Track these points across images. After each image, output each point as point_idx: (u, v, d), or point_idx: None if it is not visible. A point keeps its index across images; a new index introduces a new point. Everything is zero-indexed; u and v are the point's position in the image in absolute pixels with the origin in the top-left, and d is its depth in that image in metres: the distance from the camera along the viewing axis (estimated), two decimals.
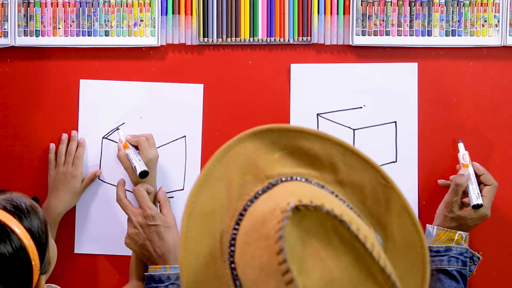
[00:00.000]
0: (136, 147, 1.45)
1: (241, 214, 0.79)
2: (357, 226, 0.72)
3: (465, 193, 1.41)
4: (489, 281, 1.48)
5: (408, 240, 0.82)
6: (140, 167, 1.39)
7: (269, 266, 0.70)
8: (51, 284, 1.30)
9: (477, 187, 1.41)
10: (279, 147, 0.82)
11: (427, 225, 1.43)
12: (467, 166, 1.43)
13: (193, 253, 0.78)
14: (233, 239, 0.78)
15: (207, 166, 0.82)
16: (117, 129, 1.50)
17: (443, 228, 1.40)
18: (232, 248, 0.78)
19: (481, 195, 1.40)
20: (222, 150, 0.83)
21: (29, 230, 1.09)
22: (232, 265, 0.77)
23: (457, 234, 1.38)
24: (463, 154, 1.44)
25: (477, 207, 1.38)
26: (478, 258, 1.43)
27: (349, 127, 1.50)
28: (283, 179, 0.81)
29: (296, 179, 0.81)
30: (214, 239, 0.79)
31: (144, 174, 1.39)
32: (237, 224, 0.79)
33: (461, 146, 1.46)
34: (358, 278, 0.70)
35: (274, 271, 0.69)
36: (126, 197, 1.42)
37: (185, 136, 1.51)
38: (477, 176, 1.43)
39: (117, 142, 1.49)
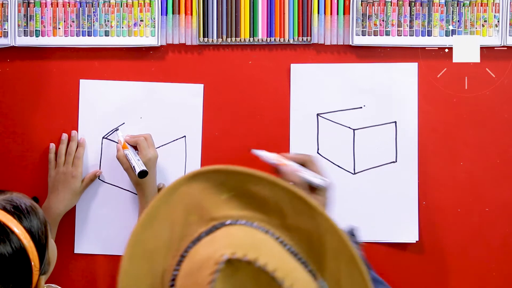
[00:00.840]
0: (135, 148, 1.45)
1: (182, 256, 0.79)
2: (291, 282, 0.70)
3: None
4: (489, 281, 1.48)
5: None
6: (139, 167, 1.39)
7: None
8: (51, 284, 1.30)
9: (306, 171, 1.24)
10: (227, 189, 0.81)
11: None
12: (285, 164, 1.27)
13: None
14: (174, 279, 0.78)
15: (152, 205, 0.81)
16: (117, 129, 1.50)
17: None
18: None
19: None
20: (169, 188, 0.82)
21: (29, 231, 1.09)
22: None
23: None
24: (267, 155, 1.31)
25: (140, 175, 1.35)
26: (352, 227, 1.27)
27: (349, 127, 1.50)
28: (228, 222, 0.79)
29: (241, 223, 0.80)
30: (156, 278, 0.79)
31: (143, 174, 1.39)
32: (178, 265, 0.78)
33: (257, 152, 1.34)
34: None
35: None
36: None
37: (185, 136, 1.51)
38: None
39: (117, 142, 1.49)
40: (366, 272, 0.80)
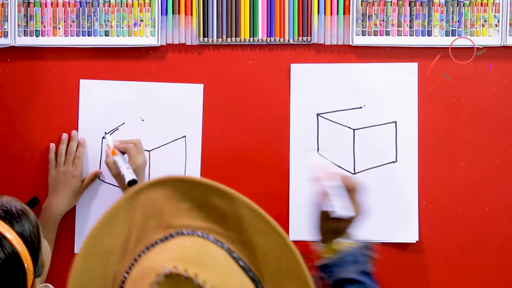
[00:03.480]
0: (124, 153, 1.44)
1: (135, 260, 0.78)
2: None
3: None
4: (489, 281, 1.48)
5: None
6: (128, 176, 1.37)
7: None
8: (47, 284, 1.29)
9: (341, 198, 1.25)
10: (189, 198, 0.81)
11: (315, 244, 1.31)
12: (326, 179, 1.27)
13: None
14: (123, 282, 0.78)
15: (114, 205, 0.82)
16: (117, 129, 1.50)
17: (322, 244, 1.26)
18: None
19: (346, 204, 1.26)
20: (131, 192, 0.82)
21: (21, 235, 1.07)
22: None
23: (335, 243, 1.25)
24: (318, 165, 1.31)
25: (130, 183, 1.35)
26: (369, 243, 1.27)
27: (349, 127, 1.50)
28: (184, 231, 0.79)
29: (197, 235, 0.79)
30: (107, 279, 0.79)
31: (132, 183, 1.38)
32: (130, 268, 0.78)
33: (312, 157, 1.37)
34: None
35: None
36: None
37: (185, 136, 1.51)
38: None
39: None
40: None
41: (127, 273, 0.78)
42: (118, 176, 1.41)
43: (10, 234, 1.06)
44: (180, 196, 0.81)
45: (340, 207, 1.23)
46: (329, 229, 1.27)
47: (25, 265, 1.06)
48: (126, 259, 0.79)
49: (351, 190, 1.26)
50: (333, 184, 1.25)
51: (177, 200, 0.81)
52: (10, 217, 1.08)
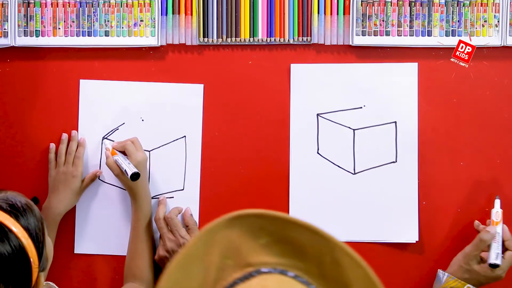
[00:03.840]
0: (124, 153, 1.45)
1: None
2: None
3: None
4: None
5: None
6: (130, 170, 1.39)
7: None
8: (49, 282, 1.30)
9: (500, 247, 1.39)
10: (266, 234, 0.79)
11: (438, 270, 1.43)
12: (497, 223, 1.41)
13: None
14: None
15: (189, 244, 0.79)
16: (117, 129, 1.50)
17: (454, 277, 1.40)
18: None
19: (502, 257, 1.39)
20: (207, 230, 0.79)
21: (26, 229, 1.09)
22: None
23: (465, 287, 1.39)
24: (497, 211, 1.42)
25: (493, 266, 1.37)
26: None
27: (349, 127, 1.50)
28: (264, 270, 0.78)
29: (277, 272, 0.78)
30: None
31: (135, 176, 1.39)
32: None
33: (497, 203, 1.44)
34: None
35: None
36: (164, 218, 1.46)
37: (185, 136, 1.51)
38: (502, 240, 1.41)
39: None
40: None
41: None
42: (120, 174, 1.41)
43: (16, 228, 1.07)
44: (257, 232, 0.79)
45: (498, 256, 1.38)
46: (473, 271, 1.40)
47: (31, 259, 1.07)
48: None
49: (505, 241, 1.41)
50: (496, 231, 1.40)
51: (253, 237, 0.79)
52: (16, 211, 1.09)
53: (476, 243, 1.40)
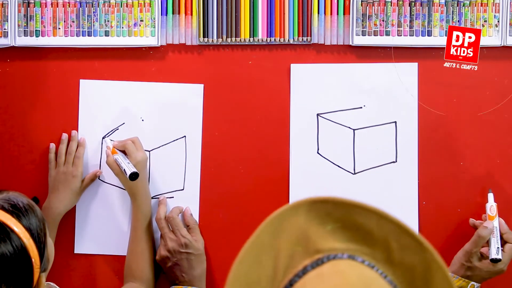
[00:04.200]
0: (125, 152, 1.45)
1: None
2: None
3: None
4: (488, 281, 1.48)
5: None
6: (129, 169, 1.39)
7: None
8: (49, 282, 1.30)
9: (499, 241, 1.40)
10: (333, 220, 0.79)
11: None
12: (493, 218, 1.42)
13: None
14: None
15: (256, 233, 0.78)
16: (117, 129, 1.50)
17: (457, 276, 1.41)
18: None
19: (502, 250, 1.40)
20: (274, 217, 0.79)
21: (28, 229, 1.09)
22: None
23: (469, 285, 1.39)
24: (491, 205, 1.43)
25: (495, 261, 1.38)
26: None
27: (349, 127, 1.50)
28: (333, 255, 0.77)
29: (346, 257, 0.78)
30: None
31: (134, 176, 1.39)
32: None
33: (490, 197, 1.44)
34: None
35: None
36: (165, 218, 1.46)
37: (185, 136, 1.51)
38: (500, 233, 1.42)
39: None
40: None
41: None
42: (120, 174, 1.41)
43: (18, 228, 1.07)
44: (324, 217, 0.79)
45: (498, 250, 1.39)
46: (474, 268, 1.40)
47: (32, 259, 1.07)
48: None
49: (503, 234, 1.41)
50: (494, 226, 1.40)
51: (320, 222, 0.79)
52: (18, 211, 1.09)
53: (475, 240, 1.40)
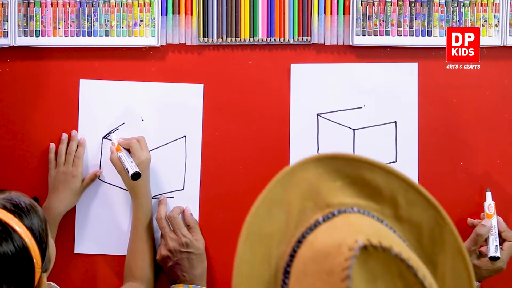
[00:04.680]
0: (129, 150, 1.45)
1: (299, 241, 0.77)
2: (423, 273, 0.70)
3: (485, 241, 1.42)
4: (489, 281, 1.48)
5: (458, 284, 0.80)
6: (132, 169, 1.39)
7: None
8: (50, 282, 1.30)
9: (498, 239, 1.40)
10: (342, 176, 0.80)
11: None
12: (491, 216, 1.42)
13: (247, 278, 0.76)
14: (288, 266, 0.76)
15: (268, 187, 0.79)
16: (117, 129, 1.50)
17: None
18: (287, 276, 0.76)
19: (501, 248, 1.40)
20: (285, 173, 0.80)
21: (30, 229, 1.09)
22: None
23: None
24: (489, 204, 1.44)
25: (493, 259, 1.38)
26: None
27: (349, 127, 1.50)
28: (344, 209, 0.78)
29: (357, 211, 0.79)
30: (269, 264, 0.77)
31: (136, 176, 1.39)
32: (294, 251, 0.76)
33: (488, 195, 1.45)
34: None
35: None
36: (166, 217, 1.46)
37: (185, 136, 1.51)
38: (498, 231, 1.42)
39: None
40: (471, 268, 0.81)
41: (292, 256, 0.76)
42: (123, 171, 1.41)
43: (20, 228, 1.07)
44: (333, 173, 0.80)
45: (497, 248, 1.39)
46: (473, 266, 1.39)
47: (34, 259, 1.07)
48: (286, 243, 0.78)
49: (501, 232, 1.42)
50: (492, 224, 1.40)
51: (330, 178, 0.80)
52: (20, 211, 1.09)
53: (473, 238, 1.40)
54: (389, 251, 0.70)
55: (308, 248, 0.75)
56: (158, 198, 1.49)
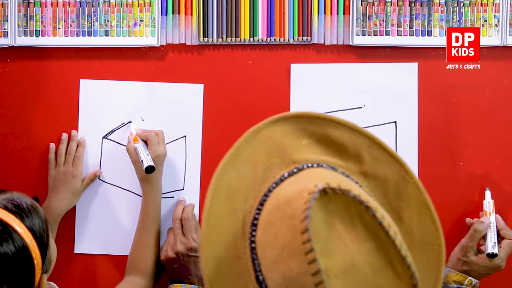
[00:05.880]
0: (146, 142, 1.45)
1: (266, 195, 0.79)
2: (381, 214, 0.72)
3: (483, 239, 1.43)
4: (489, 281, 1.48)
5: (427, 238, 0.82)
6: (147, 162, 1.39)
7: (292, 245, 0.70)
8: (50, 282, 1.30)
9: (496, 237, 1.41)
10: (307, 134, 0.83)
11: None
12: (490, 214, 1.43)
13: (215, 229, 0.78)
14: (256, 219, 0.78)
15: (235, 146, 0.82)
16: (117, 129, 1.50)
17: (455, 270, 1.40)
18: (254, 228, 0.78)
19: (499, 246, 1.40)
20: (251, 131, 0.83)
21: (31, 229, 1.09)
22: (252, 245, 0.77)
23: (467, 280, 1.39)
24: (488, 202, 1.44)
25: (491, 256, 1.38)
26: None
27: None
28: (310, 165, 0.81)
29: (322, 166, 0.81)
30: (237, 218, 0.79)
31: (150, 170, 1.39)
32: (261, 205, 0.79)
33: (487, 194, 1.45)
34: (379, 265, 0.71)
35: (296, 250, 0.69)
36: (181, 218, 1.46)
37: (185, 136, 1.51)
38: (497, 229, 1.42)
39: (117, 142, 1.49)
40: (437, 220, 0.82)
41: (259, 209, 0.78)
42: (137, 162, 1.41)
43: (20, 228, 1.07)
44: (298, 132, 0.82)
45: (494, 245, 1.39)
46: (471, 262, 1.40)
47: (34, 260, 1.07)
48: (253, 198, 0.80)
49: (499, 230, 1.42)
50: (490, 222, 1.41)
51: (296, 136, 0.82)
52: (21, 212, 1.09)
53: (471, 234, 1.40)
54: (348, 193, 0.72)
55: (273, 200, 0.78)
56: (171, 197, 1.49)
